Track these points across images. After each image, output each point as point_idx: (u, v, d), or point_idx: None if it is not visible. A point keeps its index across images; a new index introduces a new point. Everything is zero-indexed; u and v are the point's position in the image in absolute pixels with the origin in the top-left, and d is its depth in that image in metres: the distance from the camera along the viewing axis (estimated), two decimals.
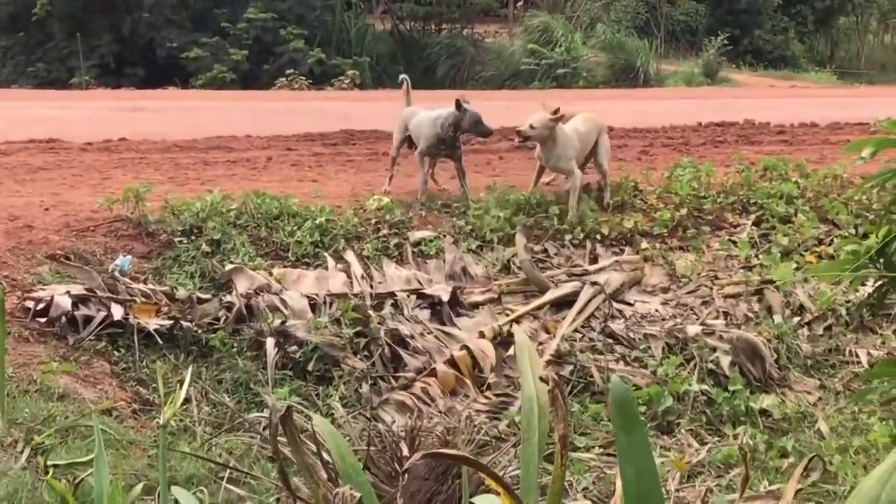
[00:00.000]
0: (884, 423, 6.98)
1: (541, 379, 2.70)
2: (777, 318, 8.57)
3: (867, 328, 8.85)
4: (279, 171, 11.49)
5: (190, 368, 6.27)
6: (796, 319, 8.72)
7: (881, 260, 4.40)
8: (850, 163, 11.13)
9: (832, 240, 9.83)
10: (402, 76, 11.06)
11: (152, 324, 7.07)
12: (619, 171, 10.93)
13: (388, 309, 8.06)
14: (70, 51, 27.17)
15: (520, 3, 34.65)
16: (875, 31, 43.04)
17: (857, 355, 8.35)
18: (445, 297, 8.24)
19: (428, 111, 10.25)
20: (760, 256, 9.61)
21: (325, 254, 8.72)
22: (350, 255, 8.71)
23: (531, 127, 9.52)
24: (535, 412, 2.80)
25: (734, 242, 9.90)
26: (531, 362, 2.91)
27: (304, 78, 25.54)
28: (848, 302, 8.90)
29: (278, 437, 3.72)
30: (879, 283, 4.38)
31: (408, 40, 32.31)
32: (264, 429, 6.19)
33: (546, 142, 9.65)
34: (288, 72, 25.56)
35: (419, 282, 8.58)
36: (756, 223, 10.23)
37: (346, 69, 27.03)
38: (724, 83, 30.39)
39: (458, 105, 9.76)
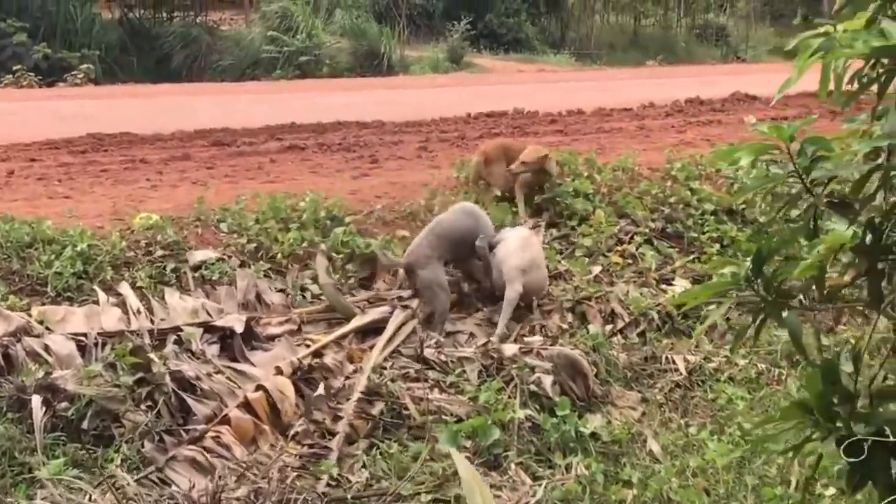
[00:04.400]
0: (717, 439, 6.63)
1: None
2: (592, 328, 8.05)
3: (679, 332, 8.52)
4: (24, 188, 10.03)
5: None
6: (609, 327, 8.28)
7: (758, 280, 3.81)
8: (636, 154, 10.88)
9: (632, 237, 9.49)
10: None
11: None
12: (401, 171, 10.20)
13: (170, 346, 7.02)
14: None
15: None
16: (601, 12, 44.06)
17: (675, 362, 7.92)
18: (239, 329, 7.18)
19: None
20: (564, 262, 9.06)
21: (94, 286, 7.52)
22: (124, 287, 7.53)
23: None
24: None
25: None
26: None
27: (31, 74, 23.64)
28: (658, 305, 8.54)
29: None
30: (759, 308, 3.76)
31: (138, 29, 30.67)
32: None
33: None
34: (15, 68, 23.56)
35: (208, 313, 7.52)
36: (553, 224, 9.68)
37: (74, 63, 25.26)
38: (470, 68, 30.55)
39: None
